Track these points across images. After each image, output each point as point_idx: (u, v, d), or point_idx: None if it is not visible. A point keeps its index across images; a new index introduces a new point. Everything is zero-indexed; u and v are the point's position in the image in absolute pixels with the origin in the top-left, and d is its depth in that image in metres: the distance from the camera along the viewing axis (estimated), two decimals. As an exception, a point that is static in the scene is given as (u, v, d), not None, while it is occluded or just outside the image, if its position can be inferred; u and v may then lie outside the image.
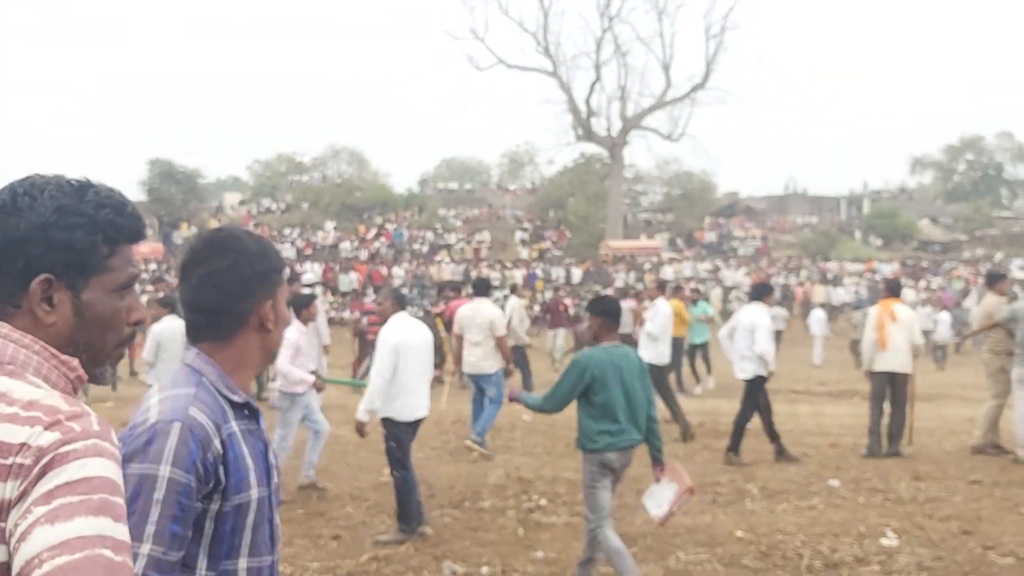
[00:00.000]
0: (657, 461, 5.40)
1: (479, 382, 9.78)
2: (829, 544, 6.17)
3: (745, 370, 9.34)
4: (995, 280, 10.24)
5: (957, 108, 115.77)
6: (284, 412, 7.98)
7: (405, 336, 6.61)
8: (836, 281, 38.33)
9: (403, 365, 6.50)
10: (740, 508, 7.29)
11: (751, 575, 5.64)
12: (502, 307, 13.94)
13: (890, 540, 6.26)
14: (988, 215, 54.38)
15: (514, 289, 19.75)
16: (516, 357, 13.69)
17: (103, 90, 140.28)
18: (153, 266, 34.26)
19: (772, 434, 9.32)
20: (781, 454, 9.24)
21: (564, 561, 5.89)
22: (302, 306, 8.21)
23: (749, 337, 9.22)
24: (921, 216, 55.44)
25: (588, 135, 46.50)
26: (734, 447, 9.20)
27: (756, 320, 9.26)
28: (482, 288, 10.43)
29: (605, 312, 5.46)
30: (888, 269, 39.92)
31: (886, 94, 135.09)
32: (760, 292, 9.95)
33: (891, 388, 9.48)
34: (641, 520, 6.85)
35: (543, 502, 7.40)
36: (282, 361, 7.65)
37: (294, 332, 7.83)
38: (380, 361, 6.53)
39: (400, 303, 6.97)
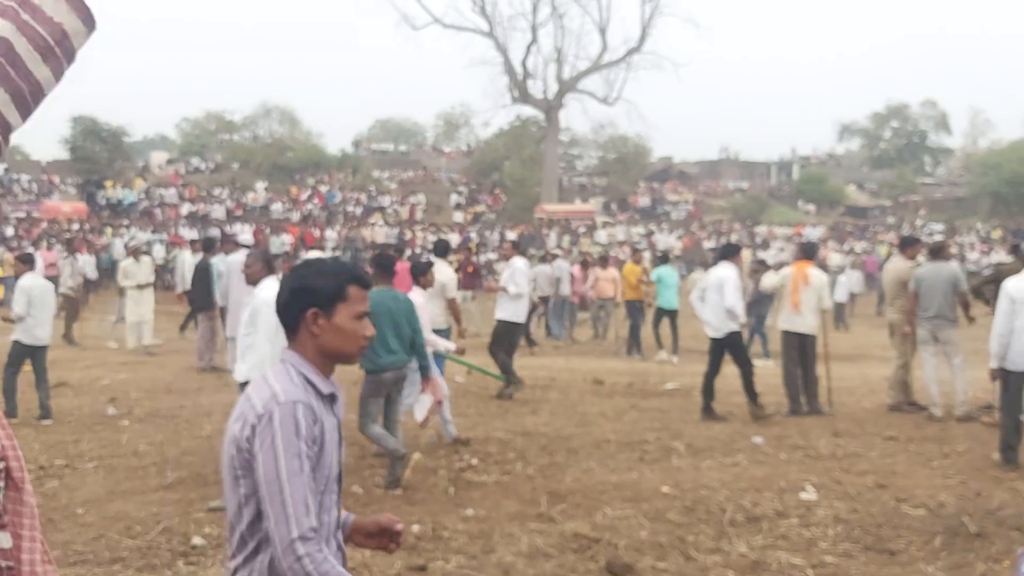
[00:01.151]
0: (424, 375, 7.04)
1: None
2: (751, 499, 6.37)
3: (719, 329, 9.47)
4: (907, 244, 10.60)
5: (884, 77, 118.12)
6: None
7: None
8: (764, 245, 39.17)
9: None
10: (666, 465, 7.47)
11: (675, 529, 5.78)
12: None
13: (809, 494, 6.49)
14: (912, 181, 55.91)
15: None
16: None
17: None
18: (76, 226, 33.37)
19: (708, 391, 9.53)
20: (708, 412, 9.47)
21: (494, 518, 5.98)
22: (420, 273, 8.56)
23: (720, 294, 9.37)
24: (848, 182, 56.73)
25: (524, 97, 46.36)
26: (753, 400, 9.42)
27: (723, 276, 9.42)
28: (442, 249, 10.86)
29: (377, 264, 7.43)
30: (815, 233, 40.94)
31: (817, 61, 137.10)
32: (728, 251, 10.10)
33: (800, 349, 9.78)
34: (570, 478, 7.00)
35: (474, 461, 7.49)
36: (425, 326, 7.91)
37: (418, 296, 8.01)
38: (269, 325, 6.24)
39: (270, 266, 6.82)
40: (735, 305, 9.33)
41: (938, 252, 9.76)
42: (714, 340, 9.58)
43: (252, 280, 6.76)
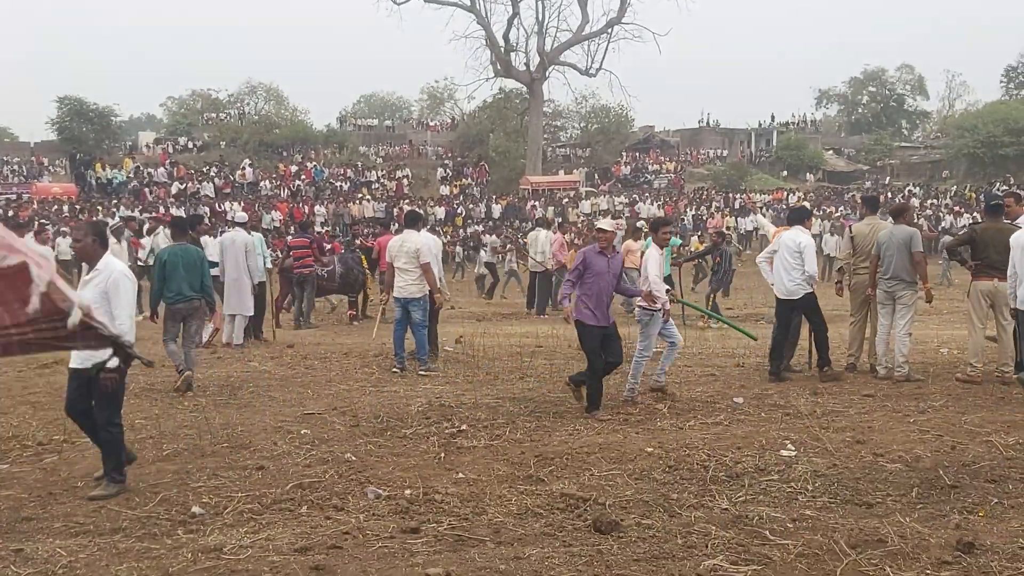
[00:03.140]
0: (211, 310, 9.96)
1: (407, 305, 10.43)
2: (732, 456, 6.54)
3: (794, 292, 9.59)
4: (872, 204, 10.87)
5: (861, 42, 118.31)
6: (644, 326, 8.66)
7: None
8: (743, 211, 39.50)
9: None
10: (650, 426, 7.66)
11: (660, 487, 5.93)
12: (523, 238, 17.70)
13: (789, 451, 6.66)
14: (889, 145, 56.18)
15: (540, 222, 21.79)
16: (542, 281, 17.83)
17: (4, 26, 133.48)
18: (67, 207, 33.26)
19: (778, 354, 9.76)
20: (776, 374, 9.64)
21: (484, 481, 6.13)
22: (657, 228, 9.00)
23: (798, 258, 9.50)
24: (826, 148, 56.98)
25: (507, 71, 46.26)
26: (824, 362, 9.62)
27: (803, 242, 9.55)
28: (412, 220, 11.13)
29: (173, 226, 10.14)
30: (793, 199, 41.30)
31: (794, 28, 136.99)
32: (800, 215, 10.23)
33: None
34: (557, 441, 7.18)
35: (464, 427, 7.65)
36: (654, 279, 8.55)
37: (655, 251, 8.64)
38: (130, 300, 6.10)
39: (103, 241, 6.20)
40: (815, 272, 9.58)
41: (899, 214, 9.94)
42: (784, 301, 9.74)
43: (84, 256, 6.17)
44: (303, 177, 43.74)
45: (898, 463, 6.35)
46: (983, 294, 9.21)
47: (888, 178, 50.72)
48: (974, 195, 40.34)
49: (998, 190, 36.57)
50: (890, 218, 10.04)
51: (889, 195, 42.15)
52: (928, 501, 5.61)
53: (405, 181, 45.25)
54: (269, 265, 14.75)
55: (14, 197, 35.93)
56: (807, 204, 35.50)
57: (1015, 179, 42.68)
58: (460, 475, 6.30)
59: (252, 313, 12.93)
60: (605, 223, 8.76)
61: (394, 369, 10.50)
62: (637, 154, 53.57)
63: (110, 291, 5.93)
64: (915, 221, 15.11)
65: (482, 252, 24.96)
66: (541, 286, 18.06)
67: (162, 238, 15.96)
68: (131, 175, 40.68)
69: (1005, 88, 63.64)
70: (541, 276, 18.04)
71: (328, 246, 17.45)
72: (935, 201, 41.27)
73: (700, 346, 12.24)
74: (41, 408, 8.68)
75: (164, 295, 9.42)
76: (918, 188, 45.31)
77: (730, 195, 43.82)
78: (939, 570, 4.42)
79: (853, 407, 8.17)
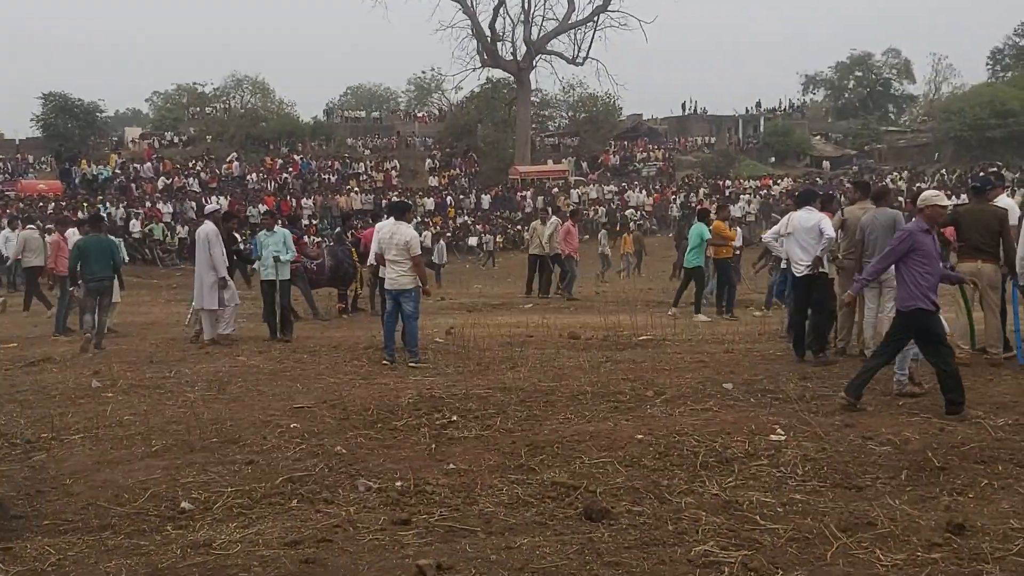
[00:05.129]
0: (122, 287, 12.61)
1: (397, 297, 10.47)
2: (722, 442, 6.54)
3: (813, 267, 9.75)
4: (863, 189, 10.88)
5: (848, 27, 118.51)
6: None
7: None
8: (732, 198, 39.60)
9: None
10: (640, 413, 7.65)
11: (650, 474, 5.94)
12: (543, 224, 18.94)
13: (778, 436, 6.68)
14: (876, 130, 56.33)
15: (556, 211, 22.79)
16: (542, 265, 18.95)
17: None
18: (52, 204, 33.10)
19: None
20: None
21: (475, 471, 6.12)
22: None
23: (820, 239, 9.67)
24: (814, 133, 57.09)
25: (494, 60, 46.20)
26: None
27: (823, 224, 9.70)
28: (401, 210, 11.03)
29: (91, 222, 12.91)
30: (782, 185, 41.42)
31: (780, 13, 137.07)
32: (828, 201, 10.57)
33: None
34: (548, 430, 7.17)
35: (454, 418, 7.63)
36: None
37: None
38: None
39: None
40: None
41: (879, 198, 9.94)
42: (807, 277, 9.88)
43: None
44: (290, 170, 43.63)
45: (887, 446, 6.37)
46: (967, 276, 9.22)
47: (876, 163, 50.82)
48: (966, 177, 40.53)
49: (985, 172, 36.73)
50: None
51: (878, 177, 42.31)
52: (918, 483, 5.62)
53: (393, 172, 45.18)
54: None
55: (-3, 195, 35.80)
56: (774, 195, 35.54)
57: (1003, 161, 42.82)
58: (451, 466, 6.29)
59: (215, 307, 12.47)
60: (941, 198, 7.76)
61: (384, 361, 10.48)
62: (625, 142, 53.59)
63: None
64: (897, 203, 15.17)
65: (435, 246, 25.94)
66: (543, 270, 19.03)
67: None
68: (117, 171, 40.51)
69: (991, 71, 63.90)
70: (542, 260, 18.93)
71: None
72: (923, 185, 41.38)
73: (691, 332, 12.25)
74: (28, 406, 8.64)
75: (84, 276, 11.92)
76: (905, 172, 45.43)
77: (719, 182, 43.89)
78: (930, 552, 4.43)
79: (842, 391, 8.16)
